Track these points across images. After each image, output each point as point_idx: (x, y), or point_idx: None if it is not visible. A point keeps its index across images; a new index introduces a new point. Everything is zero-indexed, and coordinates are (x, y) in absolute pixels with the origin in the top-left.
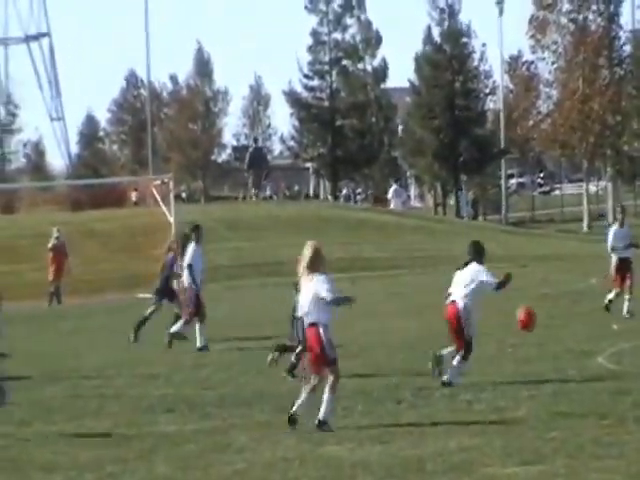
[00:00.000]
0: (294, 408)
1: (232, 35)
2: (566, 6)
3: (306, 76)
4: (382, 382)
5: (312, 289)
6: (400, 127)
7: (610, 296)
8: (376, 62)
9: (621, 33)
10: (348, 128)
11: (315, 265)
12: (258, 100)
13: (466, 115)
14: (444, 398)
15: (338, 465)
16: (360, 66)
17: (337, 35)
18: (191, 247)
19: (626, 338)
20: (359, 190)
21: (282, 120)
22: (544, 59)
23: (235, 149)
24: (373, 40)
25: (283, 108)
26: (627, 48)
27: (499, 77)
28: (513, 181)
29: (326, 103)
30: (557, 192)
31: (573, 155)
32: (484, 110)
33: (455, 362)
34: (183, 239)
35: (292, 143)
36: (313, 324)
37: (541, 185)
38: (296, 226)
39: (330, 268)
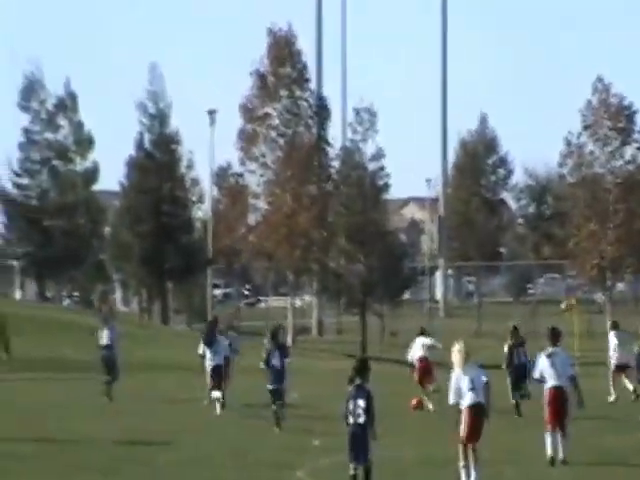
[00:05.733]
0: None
1: None
2: (275, 121)
3: (16, 174)
4: None
5: (477, 375)
6: (108, 230)
7: None
8: (87, 163)
9: (329, 149)
10: (56, 228)
11: (469, 358)
12: None
13: (173, 222)
14: None
15: None
16: (71, 167)
17: (49, 134)
18: None
19: (326, 454)
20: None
21: None
22: (253, 171)
23: None
24: (85, 142)
25: None
26: (335, 164)
27: (208, 186)
28: (219, 291)
29: (35, 202)
30: (263, 304)
31: (280, 268)
32: (191, 218)
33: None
34: None
35: None
36: (479, 404)
37: (247, 296)
38: None
39: (27, 368)
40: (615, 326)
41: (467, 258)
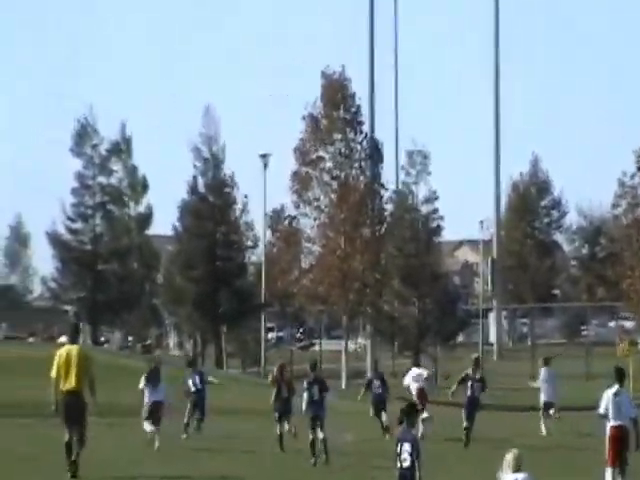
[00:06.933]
0: None
1: None
2: (328, 164)
3: (69, 219)
4: None
5: None
6: (161, 274)
7: None
8: (141, 208)
9: (383, 192)
10: (109, 273)
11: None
12: (18, 240)
13: (227, 266)
14: None
15: None
16: (125, 211)
17: (102, 179)
18: None
19: None
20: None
21: (44, 259)
22: (306, 215)
23: None
24: (139, 186)
25: (45, 248)
26: (389, 207)
27: (262, 230)
28: (273, 334)
29: (89, 247)
30: (316, 347)
31: (333, 311)
32: (245, 262)
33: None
34: None
35: (53, 285)
36: None
37: (300, 340)
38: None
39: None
40: (546, 362)
41: (521, 300)
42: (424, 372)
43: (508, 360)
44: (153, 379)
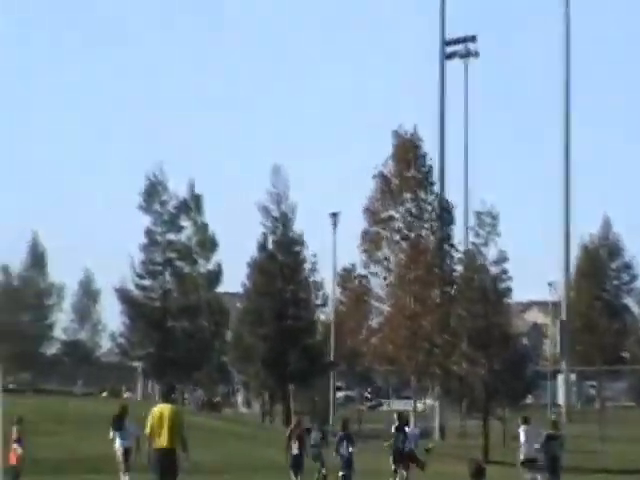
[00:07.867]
0: None
1: (64, 228)
2: (399, 223)
3: (139, 275)
4: None
5: None
6: (230, 332)
7: None
8: (211, 265)
9: (453, 253)
10: (178, 330)
11: None
12: (88, 295)
13: (296, 324)
14: None
15: None
16: (194, 267)
17: (171, 236)
18: None
19: None
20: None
21: (112, 315)
22: (376, 274)
23: (64, 344)
24: (208, 243)
25: (114, 303)
26: (458, 268)
27: (331, 288)
28: (341, 394)
29: (158, 303)
30: (385, 407)
31: (402, 371)
32: (314, 321)
33: None
34: None
35: (121, 340)
36: None
37: (369, 399)
38: None
39: None
40: (525, 421)
41: (588, 362)
42: (412, 431)
43: (576, 422)
44: (118, 425)
